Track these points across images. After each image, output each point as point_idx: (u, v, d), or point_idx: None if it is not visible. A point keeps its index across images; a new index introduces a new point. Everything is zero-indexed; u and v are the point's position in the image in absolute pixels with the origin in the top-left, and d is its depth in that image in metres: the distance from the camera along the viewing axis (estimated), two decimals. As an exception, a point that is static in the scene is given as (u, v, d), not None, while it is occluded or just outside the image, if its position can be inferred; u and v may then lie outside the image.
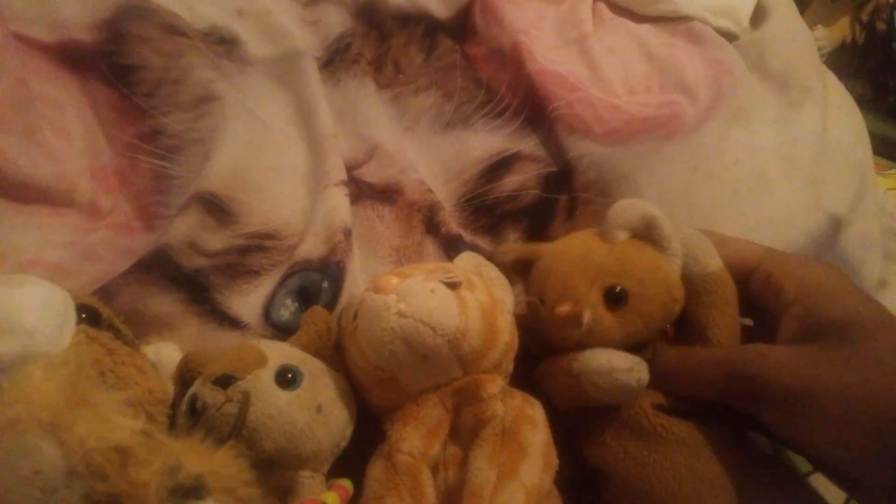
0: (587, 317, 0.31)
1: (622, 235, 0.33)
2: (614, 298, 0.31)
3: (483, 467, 0.29)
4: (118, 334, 0.30)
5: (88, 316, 0.29)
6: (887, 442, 0.25)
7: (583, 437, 0.33)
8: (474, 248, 0.42)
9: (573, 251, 0.33)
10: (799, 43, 0.54)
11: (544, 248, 0.35)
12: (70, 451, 0.18)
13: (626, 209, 0.33)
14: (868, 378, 0.26)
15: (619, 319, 0.31)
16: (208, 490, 0.20)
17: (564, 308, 0.31)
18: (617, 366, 0.30)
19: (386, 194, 0.42)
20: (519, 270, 0.37)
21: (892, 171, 0.64)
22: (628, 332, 0.31)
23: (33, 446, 0.18)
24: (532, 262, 0.35)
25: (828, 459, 0.27)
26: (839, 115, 0.51)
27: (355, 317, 0.32)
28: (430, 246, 0.41)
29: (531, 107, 0.47)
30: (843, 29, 0.88)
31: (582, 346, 0.31)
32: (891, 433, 0.25)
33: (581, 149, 0.44)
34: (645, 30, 0.52)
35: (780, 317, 0.30)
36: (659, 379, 0.31)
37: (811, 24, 0.87)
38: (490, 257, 0.42)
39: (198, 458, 0.21)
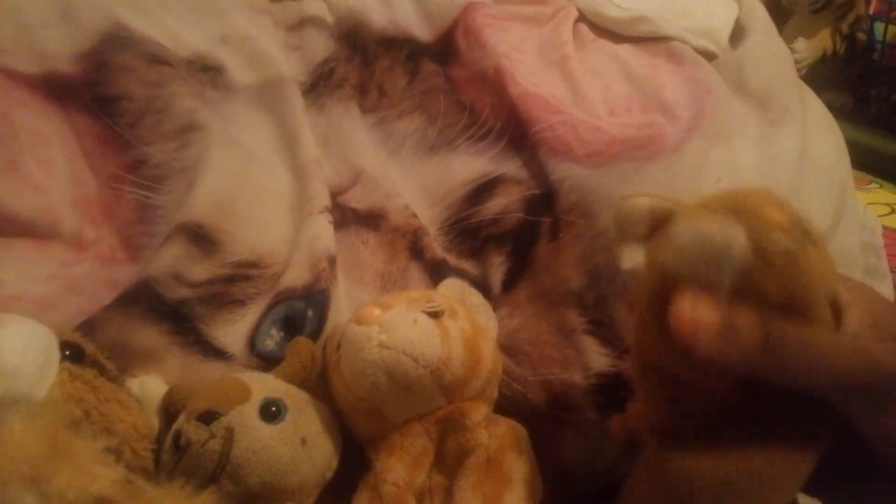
0: (805, 223, 0.25)
1: None
2: (813, 239, 0.25)
3: (468, 497, 0.29)
4: (102, 370, 0.30)
5: (72, 353, 0.29)
6: None
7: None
8: (459, 272, 0.42)
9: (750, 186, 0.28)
10: (778, 61, 0.54)
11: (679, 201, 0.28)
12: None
13: None
14: None
15: (818, 255, 0.25)
16: (189, 539, 0.20)
17: (779, 213, 0.25)
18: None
19: (370, 220, 0.42)
20: (652, 221, 0.28)
21: (872, 186, 0.65)
22: (824, 274, 0.25)
23: (15, 499, 0.18)
24: (672, 213, 0.27)
25: None
26: (818, 133, 0.52)
27: (338, 347, 0.32)
28: (415, 272, 0.41)
29: (514, 130, 0.47)
30: (824, 41, 0.89)
31: (789, 287, 0.24)
32: None
33: (563, 171, 0.44)
34: (626, 50, 0.53)
35: (836, 318, 0.26)
36: (777, 352, 0.25)
37: (793, 37, 0.89)
38: (475, 278, 0.43)
39: (178, 505, 0.22)
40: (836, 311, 0.26)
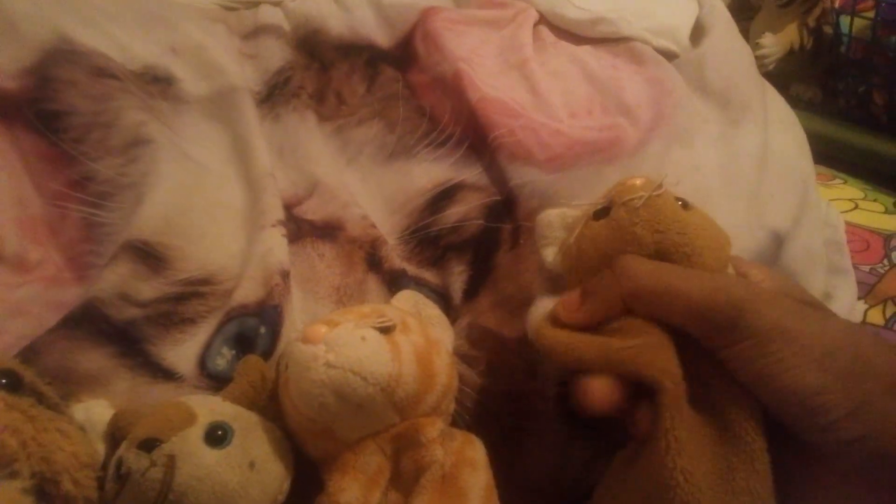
0: (665, 174, 0.29)
1: None
2: (683, 203, 0.30)
3: (422, 516, 0.29)
4: (41, 398, 0.29)
5: (8, 382, 0.28)
6: (858, 388, 0.26)
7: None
8: (419, 282, 0.41)
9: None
10: (738, 59, 0.54)
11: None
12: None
13: None
14: (841, 328, 0.28)
15: (688, 212, 0.30)
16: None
17: (639, 178, 0.30)
18: None
19: (327, 231, 0.41)
20: (564, 226, 0.33)
21: (836, 182, 0.65)
22: (696, 223, 0.29)
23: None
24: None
25: (795, 401, 0.26)
26: (780, 130, 0.52)
27: (287, 367, 0.31)
28: (373, 283, 0.40)
29: (474, 135, 0.46)
30: (791, 35, 0.90)
31: (655, 222, 0.28)
32: (863, 380, 0.26)
33: (523, 176, 0.44)
34: (586, 52, 0.52)
35: None
36: (631, 282, 0.28)
37: (760, 32, 0.89)
38: (436, 287, 0.42)
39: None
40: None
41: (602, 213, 0.30)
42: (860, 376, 0.26)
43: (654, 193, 0.29)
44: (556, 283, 0.33)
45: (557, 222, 0.33)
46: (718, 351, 0.27)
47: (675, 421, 0.26)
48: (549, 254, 0.33)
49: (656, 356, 0.28)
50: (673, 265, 0.29)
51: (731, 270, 0.31)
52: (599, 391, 0.28)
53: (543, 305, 0.32)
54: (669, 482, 0.26)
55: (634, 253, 0.29)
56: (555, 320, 0.31)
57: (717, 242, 0.30)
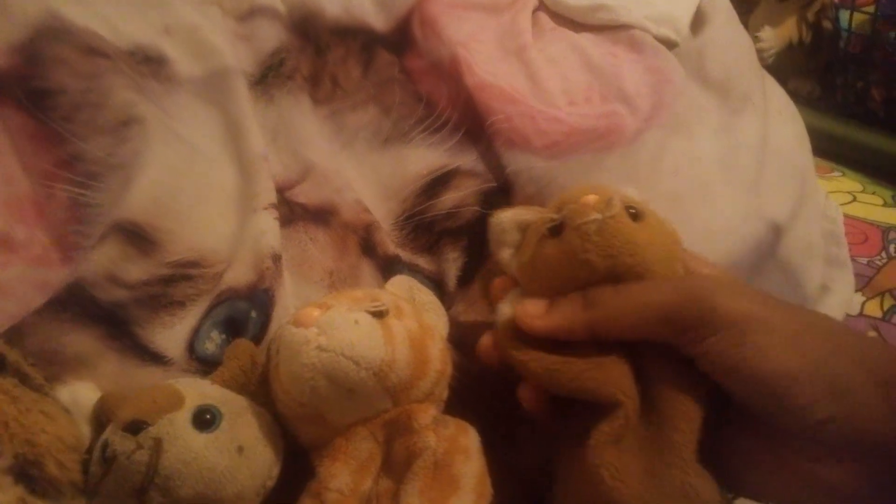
0: (617, 200, 0.29)
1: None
2: (633, 213, 0.30)
3: (414, 503, 0.28)
4: (25, 379, 0.28)
5: (-9, 362, 0.27)
6: (827, 371, 0.26)
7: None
8: (413, 268, 0.41)
9: (583, 184, 0.33)
10: (738, 49, 0.54)
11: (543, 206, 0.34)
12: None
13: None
14: (807, 315, 0.28)
15: (638, 227, 0.29)
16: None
17: (592, 196, 0.30)
18: None
19: (320, 216, 0.41)
20: (518, 228, 0.34)
21: (834, 174, 0.64)
22: (646, 240, 0.29)
23: None
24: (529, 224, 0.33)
25: (768, 387, 0.26)
26: (780, 121, 0.52)
27: (278, 351, 0.30)
28: (367, 268, 0.40)
29: (470, 121, 0.46)
30: (790, 29, 0.89)
31: (607, 247, 0.29)
32: (831, 363, 0.26)
33: (520, 163, 0.43)
34: (585, 39, 0.52)
35: None
36: (599, 309, 0.29)
37: (759, 26, 0.88)
38: (431, 274, 0.42)
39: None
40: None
41: (556, 230, 0.30)
42: (831, 356, 0.26)
43: (607, 216, 0.29)
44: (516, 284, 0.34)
45: (511, 225, 0.33)
46: (690, 349, 0.28)
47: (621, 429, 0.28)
48: (506, 255, 0.33)
49: (610, 374, 0.29)
50: (631, 285, 0.29)
51: (679, 260, 0.32)
52: (527, 399, 0.31)
53: (505, 312, 0.32)
54: (595, 477, 0.27)
55: (587, 276, 0.29)
56: (517, 331, 0.31)
57: (667, 250, 0.31)
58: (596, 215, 0.29)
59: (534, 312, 0.30)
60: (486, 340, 0.32)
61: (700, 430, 0.28)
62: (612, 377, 0.29)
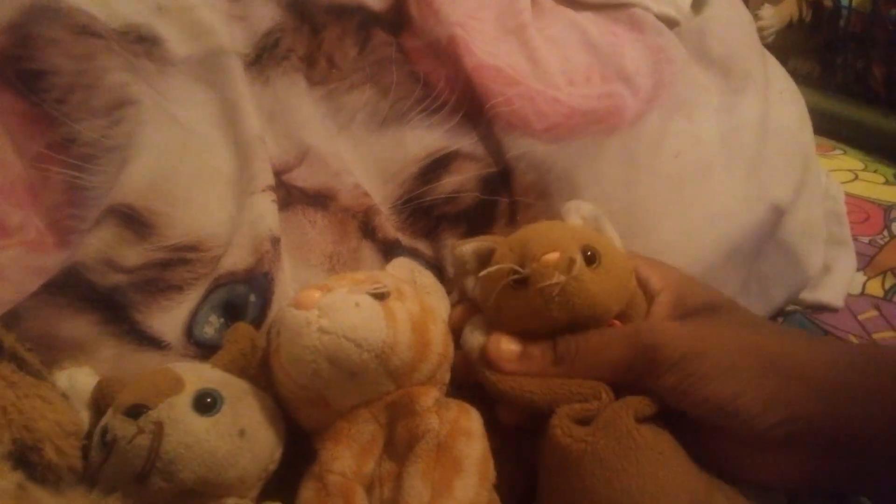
0: (579, 260, 0.31)
1: (578, 221, 0.36)
2: (591, 256, 0.32)
3: (416, 485, 0.28)
4: (22, 364, 0.28)
5: (-13, 347, 0.27)
6: (766, 384, 0.30)
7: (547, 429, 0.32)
8: (413, 253, 0.40)
9: (543, 226, 0.35)
10: (740, 27, 0.53)
11: (503, 237, 0.35)
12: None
13: (581, 203, 0.37)
14: (741, 336, 0.32)
15: (596, 276, 0.32)
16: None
17: (553, 255, 0.31)
18: None
19: (318, 200, 0.40)
20: (478, 260, 0.36)
21: (836, 153, 0.64)
22: (603, 288, 0.32)
23: None
24: (493, 251, 0.35)
25: (718, 410, 0.30)
26: (781, 101, 0.51)
27: (278, 334, 0.30)
28: (368, 251, 0.39)
29: (469, 103, 0.45)
30: (790, 8, 0.88)
31: (568, 305, 0.31)
32: (768, 376, 0.30)
33: (520, 147, 0.43)
34: (586, 18, 0.51)
35: (648, 304, 0.35)
36: (565, 362, 0.32)
37: (759, 4, 0.87)
38: (430, 260, 0.41)
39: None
40: (650, 299, 0.35)
41: (520, 282, 0.32)
42: (766, 373, 0.30)
43: (570, 277, 0.31)
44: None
45: (472, 257, 0.36)
46: (650, 386, 0.31)
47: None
48: (469, 285, 0.36)
49: (591, 382, 0.32)
50: (593, 336, 0.32)
51: (633, 282, 0.35)
52: (507, 418, 0.33)
53: (475, 340, 0.34)
54: (551, 442, 0.31)
55: (550, 327, 0.32)
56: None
57: (619, 289, 0.33)
58: (559, 278, 0.31)
59: (507, 357, 0.32)
60: (457, 362, 0.34)
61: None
62: (590, 385, 0.32)
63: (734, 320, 0.34)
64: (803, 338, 0.33)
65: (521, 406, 0.32)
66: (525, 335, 0.33)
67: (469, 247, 0.36)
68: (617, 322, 0.34)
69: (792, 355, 0.31)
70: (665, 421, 0.31)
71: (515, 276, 0.32)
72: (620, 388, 0.32)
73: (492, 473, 0.29)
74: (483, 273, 0.33)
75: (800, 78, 0.88)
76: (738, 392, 0.29)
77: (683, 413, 0.31)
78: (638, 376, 0.31)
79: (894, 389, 0.29)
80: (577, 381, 0.32)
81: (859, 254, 0.51)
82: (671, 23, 0.52)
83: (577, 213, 0.36)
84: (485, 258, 0.35)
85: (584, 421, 0.31)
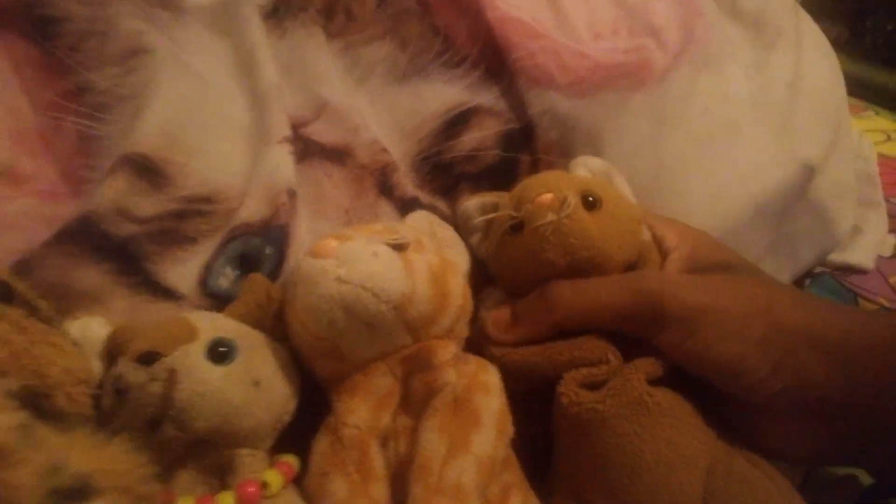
0: (572, 199, 0.30)
1: (586, 174, 0.35)
2: (591, 201, 0.31)
3: (433, 438, 0.27)
4: (34, 311, 0.27)
5: (-1, 292, 0.26)
6: (774, 348, 0.29)
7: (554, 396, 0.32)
8: (431, 211, 0.39)
9: (544, 174, 0.34)
10: (772, -20, 0.51)
11: (508, 192, 0.35)
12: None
13: (590, 158, 0.36)
14: (753, 297, 0.30)
15: (596, 219, 0.31)
16: (96, 490, 0.18)
17: (547, 195, 0.31)
18: None
19: (335, 155, 0.39)
20: (482, 214, 0.35)
21: (868, 113, 0.62)
22: (604, 233, 0.31)
23: None
24: (496, 205, 0.34)
25: (722, 371, 0.29)
26: (813, 58, 0.49)
27: (294, 283, 0.29)
28: (385, 206, 0.38)
29: (491, 57, 0.44)
30: (821, -30, 0.85)
31: (564, 246, 0.30)
32: (777, 341, 0.29)
33: (544, 103, 0.41)
34: (613, -30, 0.49)
35: (663, 261, 0.33)
36: (560, 311, 0.31)
37: (789, -35, 0.84)
38: (448, 218, 0.40)
39: (87, 454, 0.19)
40: (664, 254, 0.34)
41: (516, 227, 0.31)
42: (775, 337, 0.29)
43: (562, 216, 0.30)
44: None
45: (476, 213, 0.35)
46: (650, 340, 0.30)
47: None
48: (474, 241, 0.35)
49: (595, 344, 0.31)
50: (590, 280, 0.31)
51: (646, 235, 0.34)
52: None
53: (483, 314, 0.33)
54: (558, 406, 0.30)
55: (548, 272, 0.31)
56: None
57: (623, 236, 0.32)
58: (551, 216, 0.30)
59: (503, 326, 0.32)
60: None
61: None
62: (594, 344, 0.31)
63: (750, 282, 0.32)
64: (821, 306, 0.32)
65: (532, 378, 0.31)
66: (529, 288, 0.32)
67: (473, 202, 0.36)
68: None
69: (805, 322, 0.29)
70: (679, 386, 0.31)
71: (512, 221, 0.31)
72: (627, 354, 0.31)
73: (510, 429, 0.29)
74: (479, 220, 0.33)
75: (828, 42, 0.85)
76: (744, 353, 0.29)
77: (696, 378, 0.30)
78: (635, 328, 0.30)
79: None
80: (580, 343, 0.31)
81: (891, 216, 0.49)
82: (701, -25, 0.50)
83: (585, 166, 0.36)
84: (489, 213, 0.34)
85: (592, 386, 0.30)
